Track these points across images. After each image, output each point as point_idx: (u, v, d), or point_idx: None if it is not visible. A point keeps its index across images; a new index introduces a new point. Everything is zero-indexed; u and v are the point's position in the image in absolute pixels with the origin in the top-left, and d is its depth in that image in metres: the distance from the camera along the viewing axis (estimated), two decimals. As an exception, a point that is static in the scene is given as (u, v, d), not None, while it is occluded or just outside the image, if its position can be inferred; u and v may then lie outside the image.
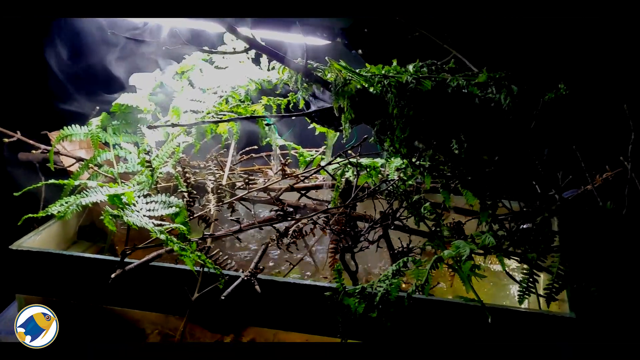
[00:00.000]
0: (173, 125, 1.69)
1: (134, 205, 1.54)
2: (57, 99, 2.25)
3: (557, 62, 2.02)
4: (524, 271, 1.45)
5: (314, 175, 2.07)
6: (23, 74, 2.52)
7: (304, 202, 1.99)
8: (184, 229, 1.50)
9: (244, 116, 1.76)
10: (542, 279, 1.62)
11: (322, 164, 1.99)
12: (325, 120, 1.76)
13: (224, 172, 1.96)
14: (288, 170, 1.99)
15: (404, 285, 1.46)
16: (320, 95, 1.71)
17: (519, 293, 1.44)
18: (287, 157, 2.11)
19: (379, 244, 1.74)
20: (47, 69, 2.31)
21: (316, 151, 2.16)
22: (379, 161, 1.93)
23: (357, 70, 1.60)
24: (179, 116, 1.86)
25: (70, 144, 2.13)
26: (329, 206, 1.85)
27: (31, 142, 2.08)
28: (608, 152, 1.71)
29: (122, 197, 1.51)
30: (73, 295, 1.77)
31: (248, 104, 1.86)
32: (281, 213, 1.79)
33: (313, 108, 1.71)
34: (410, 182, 1.78)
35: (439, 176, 1.56)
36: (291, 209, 1.84)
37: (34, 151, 2.08)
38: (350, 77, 1.56)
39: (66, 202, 1.55)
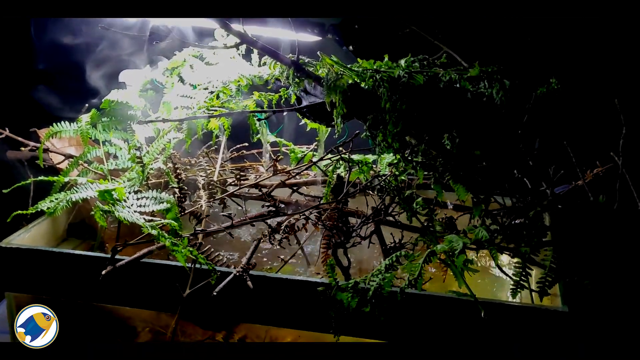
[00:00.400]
0: (164, 120, 1.68)
1: (125, 201, 1.53)
2: (45, 96, 2.24)
3: (549, 57, 2.03)
4: (517, 265, 1.45)
5: (305, 172, 2.07)
6: (9, 71, 2.50)
7: (296, 198, 1.98)
8: (175, 225, 1.50)
9: (235, 111, 1.75)
10: (534, 273, 1.62)
11: (314, 160, 1.99)
12: (316, 116, 1.75)
13: (215, 168, 1.95)
14: (279, 167, 1.98)
15: (397, 281, 1.46)
16: (311, 91, 1.71)
17: (511, 287, 1.44)
18: (279, 154, 2.10)
19: (371, 240, 1.73)
20: (34, 64, 2.31)
21: (307, 148, 2.15)
22: (371, 157, 1.93)
23: (349, 66, 1.60)
24: (170, 112, 1.85)
25: (60, 141, 2.12)
26: (321, 202, 1.84)
27: (20, 139, 2.06)
28: (599, 148, 1.71)
29: (112, 193, 1.50)
30: (63, 293, 1.75)
31: (239, 99, 1.85)
32: (273, 209, 1.78)
33: (305, 103, 1.71)
34: (402, 178, 1.78)
35: (432, 169, 1.55)
36: (283, 205, 1.84)
37: (22, 148, 2.06)
38: (342, 72, 1.55)
39: (56, 199, 1.54)
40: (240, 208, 1.95)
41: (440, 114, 1.52)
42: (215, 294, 1.48)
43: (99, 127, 1.92)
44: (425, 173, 1.77)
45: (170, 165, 1.86)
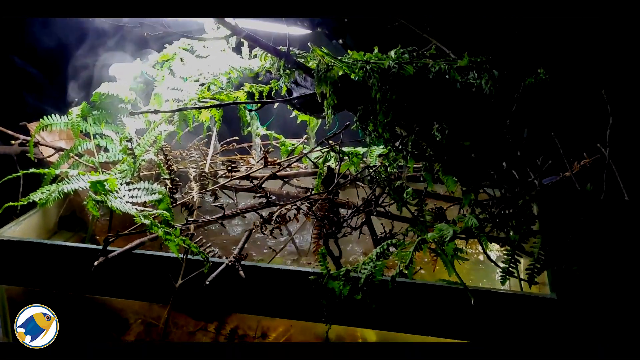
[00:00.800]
0: (155, 111, 1.68)
1: (117, 192, 1.53)
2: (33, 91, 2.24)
3: (537, 48, 2.04)
4: (506, 253, 1.47)
5: (296, 164, 2.08)
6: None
7: (287, 190, 1.99)
8: (167, 215, 1.50)
9: (226, 102, 1.76)
10: (523, 263, 1.64)
11: (305, 152, 2.00)
12: (307, 108, 1.76)
13: (206, 160, 1.96)
14: (270, 159, 1.99)
15: (388, 273, 1.47)
16: (302, 82, 1.72)
17: (500, 275, 1.46)
18: (269, 147, 2.11)
19: (362, 231, 1.75)
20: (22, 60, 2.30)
21: (297, 141, 2.16)
22: (361, 150, 1.94)
23: (339, 58, 1.61)
24: (161, 104, 1.86)
25: (50, 135, 2.12)
26: (312, 193, 1.85)
27: (10, 132, 2.06)
28: (587, 139, 1.73)
29: (104, 183, 1.50)
30: (55, 285, 1.75)
31: (230, 91, 1.85)
32: (264, 200, 1.79)
33: (295, 95, 1.72)
34: (391, 169, 1.80)
35: (422, 159, 1.57)
36: (274, 197, 1.85)
37: (12, 142, 2.06)
38: (332, 63, 1.57)
39: (48, 190, 1.54)
40: (231, 201, 1.96)
41: (429, 104, 1.54)
42: (207, 283, 1.49)
43: (90, 120, 1.92)
44: (416, 165, 1.79)
45: (161, 157, 1.86)
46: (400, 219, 1.77)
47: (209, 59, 1.98)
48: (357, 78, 1.58)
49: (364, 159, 1.93)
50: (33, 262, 1.74)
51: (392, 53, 1.62)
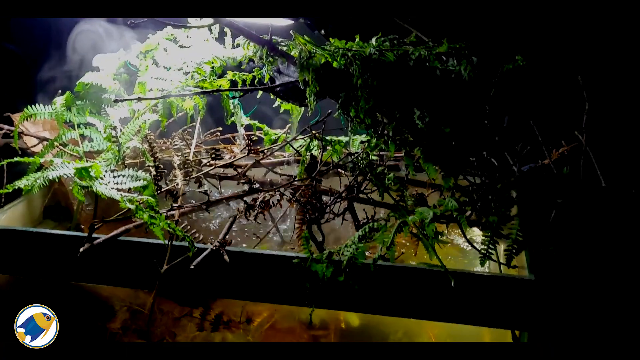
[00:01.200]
0: (139, 98, 1.70)
1: (102, 178, 1.55)
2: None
3: (515, 35, 2.07)
4: (485, 236, 1.50)
5: (279, 152, 2.10)
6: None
7: (271, 177, 2.01)
8: (152, 201, 1.52)
9: (209, 90, 1.78)
10: (502, 248, 1.68)
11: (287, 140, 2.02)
12: (290, 96, 1.79)
13: (190, 149, 1.98)
14: (253, 148, 2.01)
15: (370, 257, 1.50)
16: (284, 71, 1.74)
17: (480, 256, 1.49)
18: (252, 136, 2.13)
19: (345, 217, 1.77)
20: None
21: (280, 130, 2.19)
22: (344, 139, 1.97)
23: (321, 46, 1.64)
24: (145, 93, 1.87)
25: (34, 125, 2.12)
26: (295, 179, 1.88)
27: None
28: (565, 126, 1.76)
29: (90, 170, 1.52)
30: (41, 273, 1.76)
31: (214, 79, 1.87)
32: (248, 187, 1.81)
33: (278, 83, 1.74)
34: (373, 157, 1.82)
35: (403, 144, 1.59)
36: (258, 185, 1.87)
37: (-5, 131, 2.07)
38: (314, 51, 1.59)
39: (33, 177, 1.55)
40: (216, 190, 1.98)
41: (410, 91, 1.56)
42: (192, 267, 1.51)
43: (74, 110, 1.93)
44: (396, 154, 1.82)
45: (146, 145, 1.88)
46: (382, 205, 1.79)
47: (192, 48, 2.00)
48: (339, 66, 1.60)
49: (347, 148, 1.95)
50: (19, 250, 1.75)
51: (373, 41, 1.64)
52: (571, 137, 1.79)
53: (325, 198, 1.85)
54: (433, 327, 1.86)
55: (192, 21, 1.97)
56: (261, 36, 1.68)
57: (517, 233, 1.48)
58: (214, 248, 1.57)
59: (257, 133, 2.18)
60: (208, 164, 1.97)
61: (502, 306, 1.56)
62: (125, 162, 1.88)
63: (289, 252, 1.67)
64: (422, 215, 1.45)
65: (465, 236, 1.57)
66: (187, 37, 2.01)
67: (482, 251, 1.48)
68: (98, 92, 1.98)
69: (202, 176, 1.88)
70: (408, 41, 1.69)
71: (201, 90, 1.79)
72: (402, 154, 1.65)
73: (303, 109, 2.02)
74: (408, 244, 1.91)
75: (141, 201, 1.49)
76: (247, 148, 1.95)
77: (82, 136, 1.90)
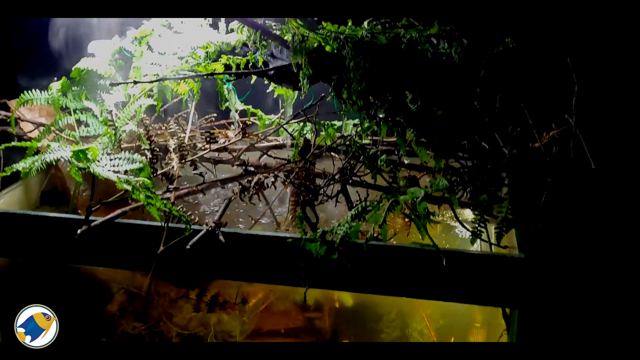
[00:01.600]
0: (135, 82, 1.72)
1: (99, 161, 1.57)
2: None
3: (505, 17, 2.08)
4: (475, 214, 1.53)
5: (273, 137, 2.12)
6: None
7: (265, 161, 2.04)
8: (148, 183, 1.54)
9: (203, 73, 1.80)
10: (493, 229, 1.71)
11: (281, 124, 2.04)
12: (283, 79, 1.81)
13: (185, 133, 2.00)
14: (248, 132, 2.03)
15: (363, 238, 1.52)
16: (278, 55, 1.77)
17: (470, 235, 1.52)
18: (247, 120, 2.16)
19: (339, 200, 1.80)
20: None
21: (274, 115, 2.21)
22: (337, 123, 1.99)
23: (314, 30, 1.66)
24: (140, 77, 1.89)
25: (30, 112, 2.14)
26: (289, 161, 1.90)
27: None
28: (556, 109, 1.78)
29: (87, 152, 1.54)
30: (39, 255, 1.78)
31: (208, 63, 1.89)
32: (243, 169, 1.84)
33: (272, 67, 1.76)
34: (366, 140, 1.85)
35: (395, 125, 1.61)
36: (252, 168, 1.89)
37: (-9, 119, 2.08)
38: (307, 34, 1.61)
39: (31, 160, 1.57)
40: (209, 174, 2.00)
41: (402, 73, 1.59)
42: (189, 247, 1.53)
43: (70, 95, 1.95)
44: (388, 139, 1.84)
45: (142, 129, 1.90)
46: (375, 187, 1.82)
47: (186, 34, 2.01)
48: (331, 49, 1.63)
49: (340, 132, 1.98)
50: (17, 233, 1.77)
51: (365, 24, 1.66)
52: (562, 120, 1.82)
53: (319, 181, 1.87)
54: (426, 307, 1.89)
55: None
56: (255, 20, 1.70)
57: (507, 211, 1.51)
58: (210, 229, 1.59)
59: (252, 119, 2.20)
60: (202, 147, 1.99)
61: (493, 284, 1.58)
62: (122, 145, 1.90)
63: (283, 233, 1.70)
64: (413, 195, 1.47)
65: (456, 216, 1.60)
66: (182, 22, 2.02)
67: (473, 229, 1.51)
68: (94, 78, 1.99)
69: (197, 159, 1.90)
70: (399, 24, 1.71)
71: (195, 74, 1.81)
72: (395, 139, 1.67)
73: (296, 93, 2.04)
74: (400, 226, 1.93)
75: (138, 183, 1.51)
76: (241, 131, 1.98)
77: (79, 121, 1.92)
